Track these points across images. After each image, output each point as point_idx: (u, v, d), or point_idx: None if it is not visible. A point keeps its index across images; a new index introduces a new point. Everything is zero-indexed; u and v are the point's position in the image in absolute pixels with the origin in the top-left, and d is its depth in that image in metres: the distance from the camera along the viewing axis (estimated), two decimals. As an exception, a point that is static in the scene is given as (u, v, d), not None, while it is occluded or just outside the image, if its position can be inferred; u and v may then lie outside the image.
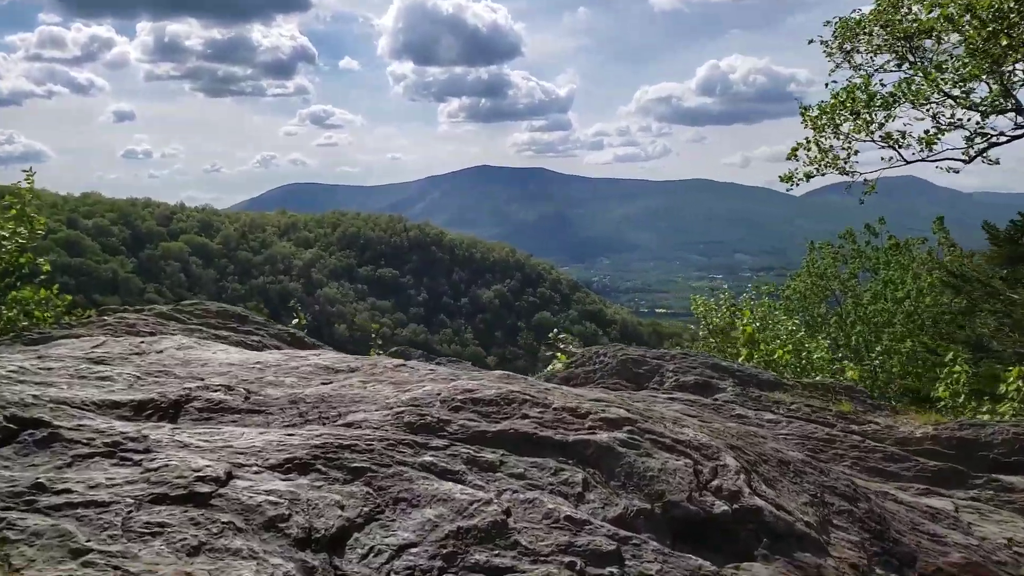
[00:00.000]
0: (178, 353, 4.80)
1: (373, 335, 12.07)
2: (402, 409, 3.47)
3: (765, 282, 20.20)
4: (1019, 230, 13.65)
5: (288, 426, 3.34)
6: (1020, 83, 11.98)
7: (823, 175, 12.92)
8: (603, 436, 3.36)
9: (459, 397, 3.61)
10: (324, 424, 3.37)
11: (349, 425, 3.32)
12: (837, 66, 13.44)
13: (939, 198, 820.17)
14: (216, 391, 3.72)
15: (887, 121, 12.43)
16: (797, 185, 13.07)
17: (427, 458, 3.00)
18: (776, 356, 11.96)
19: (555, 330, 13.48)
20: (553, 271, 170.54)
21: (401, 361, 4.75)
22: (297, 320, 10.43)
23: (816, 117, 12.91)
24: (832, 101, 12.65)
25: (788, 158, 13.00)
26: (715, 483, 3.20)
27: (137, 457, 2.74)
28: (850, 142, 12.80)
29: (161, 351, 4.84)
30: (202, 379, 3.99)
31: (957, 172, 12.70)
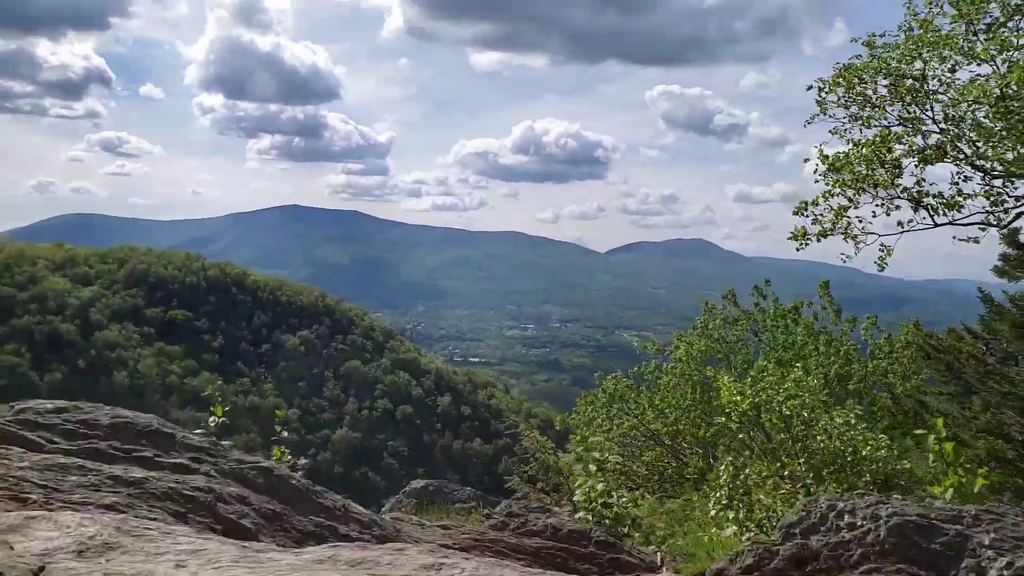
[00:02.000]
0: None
1: (279, 426, 8.04)
2: None
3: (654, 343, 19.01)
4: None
5: None
6: None
7: (837, 234, 11.40)
8: None
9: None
10: None
11: None
12: (823, 113, 11.97)
13: (722, 259, 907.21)
14: None
15: (920, 175, 11.17)
16: (807, 246, 11.51)
17: None
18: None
19: (510, 419, 10.88)
20: (366, 317, 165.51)
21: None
22: (214, 414, 7.35)
23: (841, 166, 11.27)
24: (864, 149, 11.08)
25: (796, 213, 11.51)
26: None
27: None
28: (882, 200, 11.27)
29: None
30: None
31: (977, 242, 11.26)
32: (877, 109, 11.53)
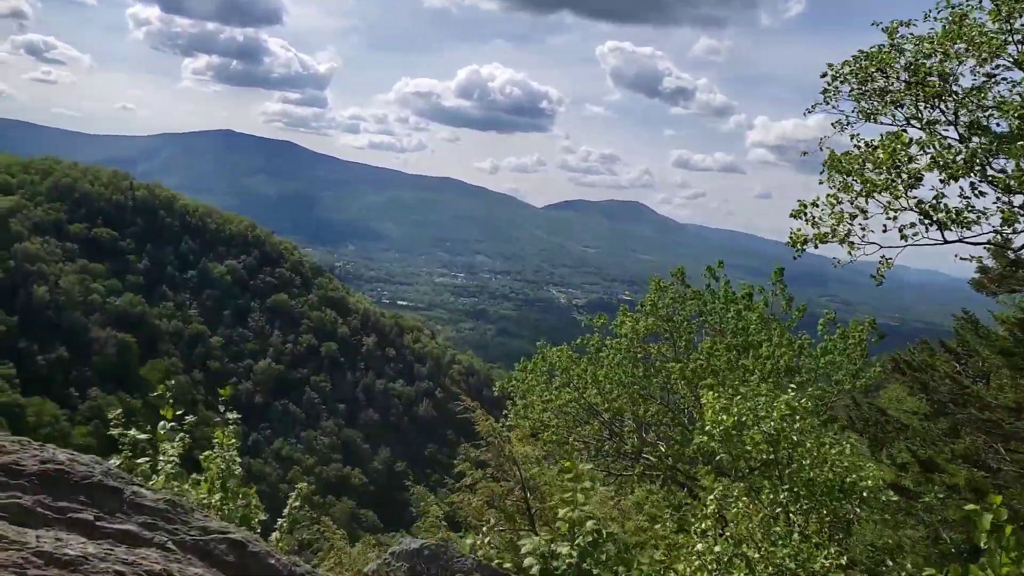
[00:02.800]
0: None
1: (166, 393, 7.19)
2: None
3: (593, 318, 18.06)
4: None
5: None
6: None
7: (834, 241, 10.48)
8: None
9: None
10: None
11: None
12: (827, 103, 10.94)
13: (656, 224, 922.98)
14: None
15: (940, 189, 10.03)
16: (803, 252, 10.63)
17: None
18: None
19: (463, 401, 11.41)
20: (296, 252, 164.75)
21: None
22: (164, 417, 6.84)
23: (851, 170, 10.18)
24: (881, 153, 9.90)
25: (794, 216, 10.55)
26: None
27: None
28: (894, 211, 10.06)
29: None
30: None
31: (980, 261, 10.94)
32: (890, 106, 10.60)
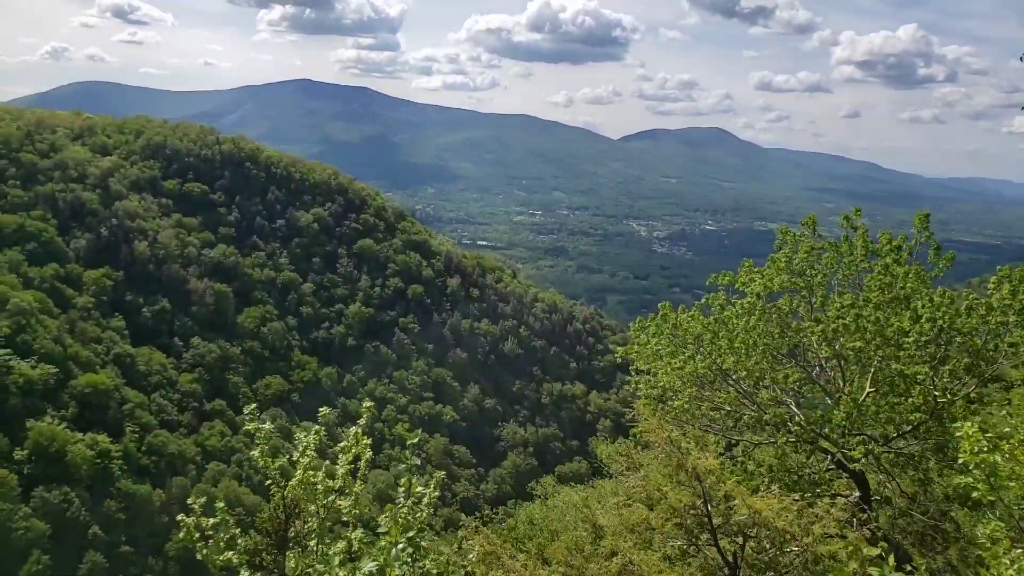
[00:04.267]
0: None
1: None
2: None
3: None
4: None
5: None
6: None
7: None
8: None
9: None
10: None
11: None
12: None
13: (739, 149, 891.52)
14: None
15: None
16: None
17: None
18: None
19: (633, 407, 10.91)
20: (378, 197, 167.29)
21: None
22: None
23: None
24: None
25: None
26: None
27: None
28: None
29: None
30: None
31: None
32: None
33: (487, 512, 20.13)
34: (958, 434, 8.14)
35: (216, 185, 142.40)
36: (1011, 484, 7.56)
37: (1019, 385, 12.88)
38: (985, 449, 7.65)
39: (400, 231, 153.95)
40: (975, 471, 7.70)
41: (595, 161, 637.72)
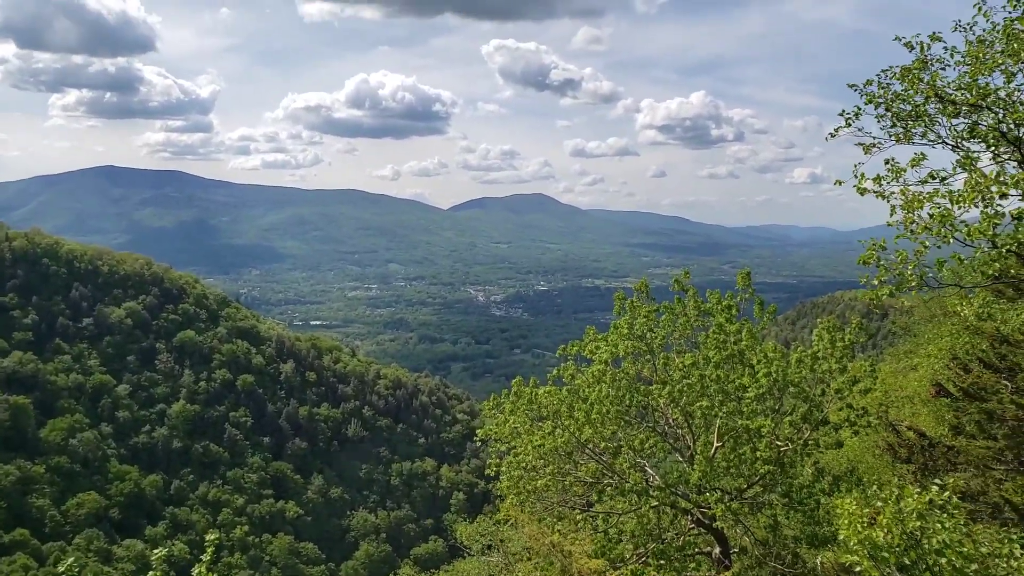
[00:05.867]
0: None
1: None
2: None
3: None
4: None
5: None
6: None
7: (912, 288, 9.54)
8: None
9: None
10: None
11: None
12: (848, 126, 10.44)
13: (561, 213, 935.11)
14: None
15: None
16: (881, 300, 9.76)
17: None
18: None
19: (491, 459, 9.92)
20: (198, 284, 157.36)
21: None
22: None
23: (943, 218, 9.16)
24: (968, 194, 8.95)
25: (863, 262, 9.66)
26: None
27: None
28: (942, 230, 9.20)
29: None
30: None
31: None
32: (927, 123, 10.08)
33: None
34: (837, 511, 8.34)
35: (7, 286, 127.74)
36: (886, 555, 7.67)
37: (845, 427, 14.11)
38: (863, 526, 7.80)
39: (224, 318, 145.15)
40: (856, 548, 7.79)
41: (427, 231, 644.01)
